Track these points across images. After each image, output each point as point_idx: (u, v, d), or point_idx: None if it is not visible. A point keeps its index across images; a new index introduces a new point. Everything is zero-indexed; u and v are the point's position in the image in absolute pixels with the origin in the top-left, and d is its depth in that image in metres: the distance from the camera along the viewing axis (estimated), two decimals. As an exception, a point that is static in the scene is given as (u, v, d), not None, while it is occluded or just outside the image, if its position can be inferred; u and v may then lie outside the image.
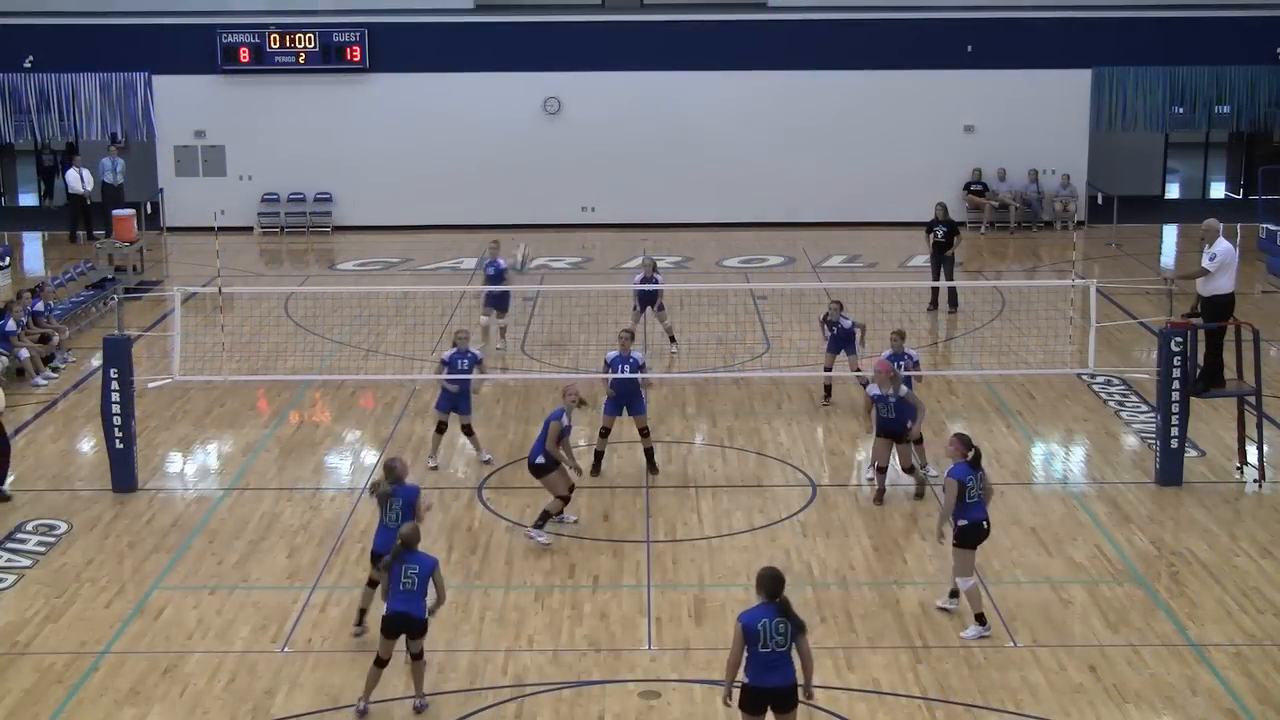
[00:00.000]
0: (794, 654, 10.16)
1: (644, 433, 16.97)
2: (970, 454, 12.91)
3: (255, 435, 18.67)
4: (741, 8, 33.18)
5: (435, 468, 17.15)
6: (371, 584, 12.88)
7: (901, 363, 16.83)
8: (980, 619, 12.91)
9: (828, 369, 19.56)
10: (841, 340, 19.29)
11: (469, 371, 17.00)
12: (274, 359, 21.91)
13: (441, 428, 17.16)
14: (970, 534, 12.87)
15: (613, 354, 16.86)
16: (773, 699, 10.12)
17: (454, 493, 16.51)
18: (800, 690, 10.23)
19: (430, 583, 11.56)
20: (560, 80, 32.99)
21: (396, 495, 12.74)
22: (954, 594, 13.27)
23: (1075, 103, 33.02)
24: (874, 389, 15.93)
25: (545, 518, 14.90)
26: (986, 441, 18.15)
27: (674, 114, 32.78)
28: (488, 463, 17.25)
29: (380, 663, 11.63)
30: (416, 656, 11.67)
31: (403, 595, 11.49)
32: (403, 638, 11.59)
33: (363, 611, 13.04)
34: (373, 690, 11.64)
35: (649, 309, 21.91)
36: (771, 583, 10.14)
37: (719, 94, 32.84)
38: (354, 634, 12.97)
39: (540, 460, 14.82)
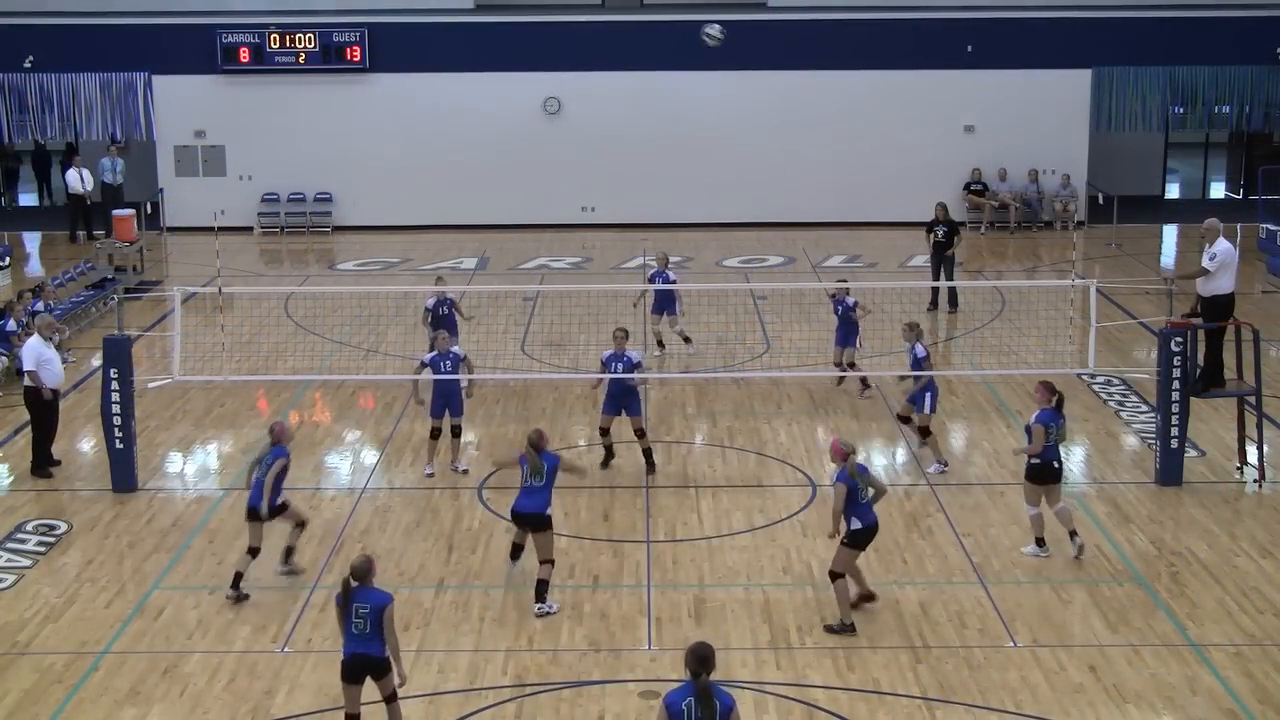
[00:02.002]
0: None
1: (640, 433, 16.93)
2: (1054, 399, 14.33)
3: (255, 435, 18.63)
4: (741, 8, 33.18)
5: (432, 474, 16.96)
6: (251, 552, 13.85)
7: (916, 358, 17.15)
8: (1040, 542, 14.45)
9: (836, 363, 19.82)
10: (847, 330, 19.59)
11: (453, 373, 16.87)
12: (274, 359, 21.91)
13: (435, 433, 17.00)
14: (1040, 471, 14.29)
15: (607, 353, 16.84)
16: None
17: (453, 493, 16.51)
18: None
19: (382, 623, 10.54)
20: (560, 80, 32.99)
21: (270, 454, 13.90)
22: (1040, 542, 14.51)
23: (1075, 103, 33.02)
24: (843, 474, 12.99)
25: (545, 587, 13.45)
26: (986, 441, 18.19)
27: (674, 114, 32.79)
28: (464, 472, 16.94)
29: (351, 718, 10.79)
30: (389, 699, 10.78)
31: (355, 638, 10.60)
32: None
33: (238, 575, 13.81)
34: None
35: (665, 314, 21.63)
36: (694, 661, 9.09)
37: (719, 94, 32.84)
38: (228, 597, 13.70)
39: (550, 510, 13.44)
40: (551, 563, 13.45)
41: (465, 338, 21.96)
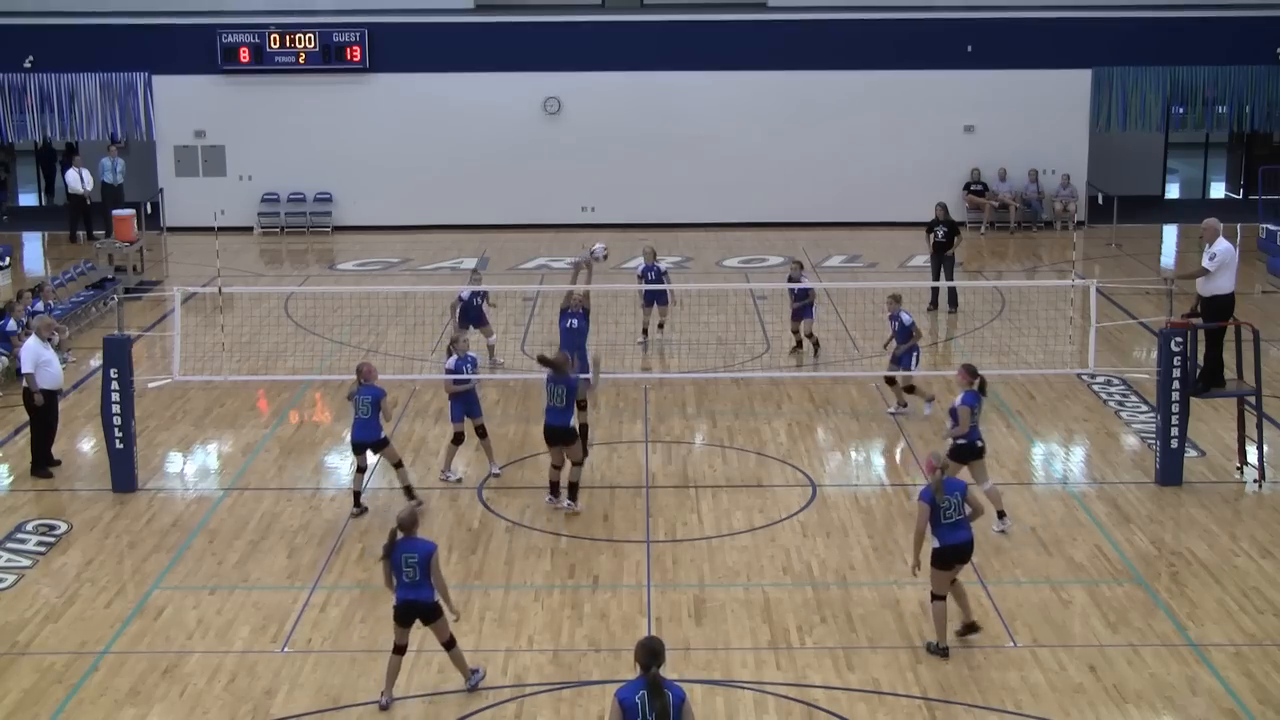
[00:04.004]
0: None
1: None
2: (976, 382, 15.00)
3: (255, 435, 18.67)
4: (741, 8, 33.18)
5: (459, 480, 16.83)
6: (360, 469, 15.79)
7: (903, 324, 18.46)
8: (1000, 515, 15.05)
9: (794, 332, 21.83)
10: (803, 307, 21.43)
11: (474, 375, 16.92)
12: (274, 359, 21.90)
13: (458, 438, 16.91)
14: (963, 451, 14.87)
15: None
16: None
17: (453, 493, 16.51)
18: None
19: (431, 569, 11.54)
20: (560, 80, 32.99)
21: (364, 394, 15.37)
22: (1001, 515, 15.08)
23: (1075, 103, 33.01)
24: (926, 492, 12.62)
25: (576, 489, 15.74)
26: (986, 441, 18.13)
27: (674, 114, 32.79)
28: (497, 475, 16.87)
29: (398, 650, 11.70)
30: (448, 645, 11.75)
31: (406, 586, 11.55)
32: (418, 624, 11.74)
33: (356, 494, 15.78)
34: (394, 681, 11.73)
35: (655, 305, 22.45)
36: (645, 655, 9.20)
37: (719, 94, 32.84)
38: (353, 514, 15.60)
39: (573, 423, 15.58)
40: (581, 464, 15.71)
41: (475, 338, 21.98)
